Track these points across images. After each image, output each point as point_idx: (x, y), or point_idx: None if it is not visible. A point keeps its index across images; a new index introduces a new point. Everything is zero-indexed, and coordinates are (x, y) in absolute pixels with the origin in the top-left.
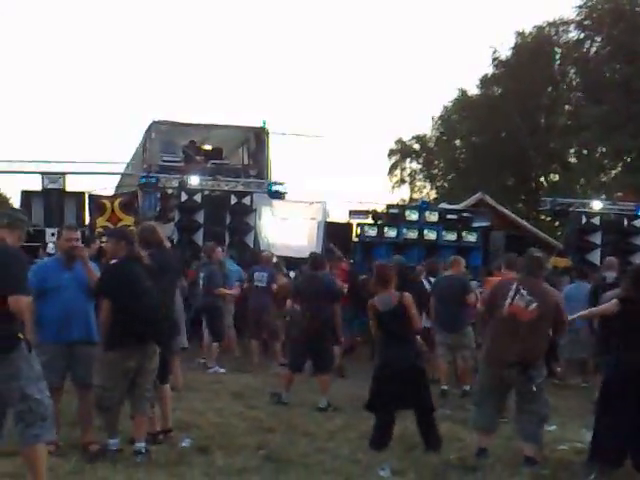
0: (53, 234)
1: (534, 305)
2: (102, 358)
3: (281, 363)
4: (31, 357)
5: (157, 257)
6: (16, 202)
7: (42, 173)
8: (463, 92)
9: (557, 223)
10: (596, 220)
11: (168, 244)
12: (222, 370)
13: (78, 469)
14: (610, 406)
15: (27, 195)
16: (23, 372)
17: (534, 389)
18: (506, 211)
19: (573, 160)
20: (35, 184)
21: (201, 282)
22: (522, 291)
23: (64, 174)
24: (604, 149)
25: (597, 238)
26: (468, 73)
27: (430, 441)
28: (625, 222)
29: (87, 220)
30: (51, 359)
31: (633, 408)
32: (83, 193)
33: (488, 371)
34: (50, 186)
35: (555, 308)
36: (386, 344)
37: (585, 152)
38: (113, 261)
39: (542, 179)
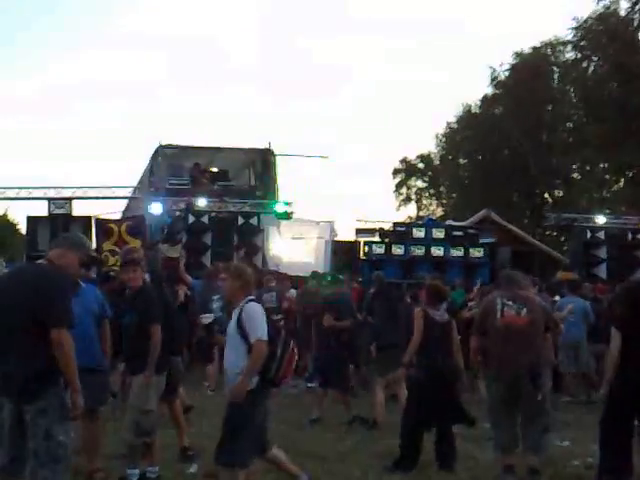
0: None
1: (524, 310)
2: (148, 382)
3: (292, 385)
4: (65, 394)
5: None
6: (24, 228)
7: (49, 199)
8: (467, 109)
9: (562, 238)
10: (601, 234)
11: None
12: None
13: None
14: (615, 421)
15: (33, 220)
16: (54, 409)
17: (540, 398)
18: (512, 227)
19: (576, 176)
20: (43, 210)
21: None
22: (507, 302)
23: (71, 199)
24: (606, 165)
25: (602, 252)
26: (470, 92)
27: (445, 459)
28: (629, 236)
29: (94, 244)
30: None
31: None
32: (90, 217)
33: (496, 387)
34: (56, 211)
35: (543, 311)
36: (432, 353)
37: (587, 168)
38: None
39: (546, 195)
